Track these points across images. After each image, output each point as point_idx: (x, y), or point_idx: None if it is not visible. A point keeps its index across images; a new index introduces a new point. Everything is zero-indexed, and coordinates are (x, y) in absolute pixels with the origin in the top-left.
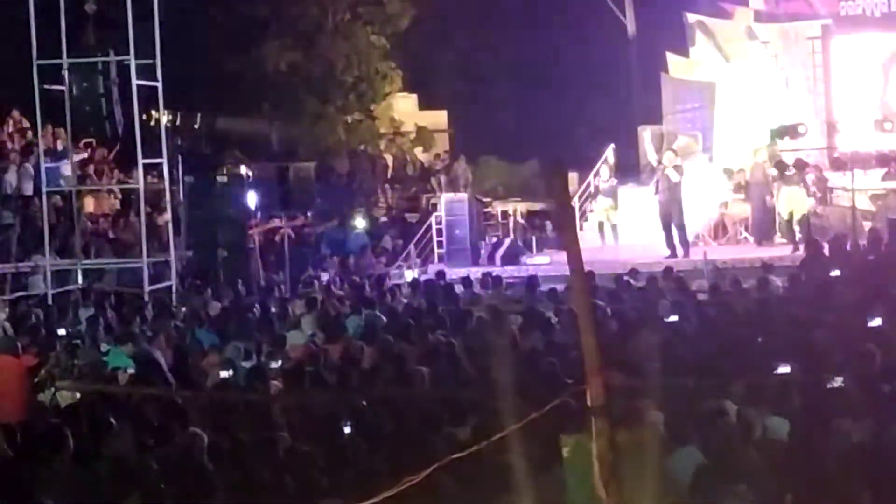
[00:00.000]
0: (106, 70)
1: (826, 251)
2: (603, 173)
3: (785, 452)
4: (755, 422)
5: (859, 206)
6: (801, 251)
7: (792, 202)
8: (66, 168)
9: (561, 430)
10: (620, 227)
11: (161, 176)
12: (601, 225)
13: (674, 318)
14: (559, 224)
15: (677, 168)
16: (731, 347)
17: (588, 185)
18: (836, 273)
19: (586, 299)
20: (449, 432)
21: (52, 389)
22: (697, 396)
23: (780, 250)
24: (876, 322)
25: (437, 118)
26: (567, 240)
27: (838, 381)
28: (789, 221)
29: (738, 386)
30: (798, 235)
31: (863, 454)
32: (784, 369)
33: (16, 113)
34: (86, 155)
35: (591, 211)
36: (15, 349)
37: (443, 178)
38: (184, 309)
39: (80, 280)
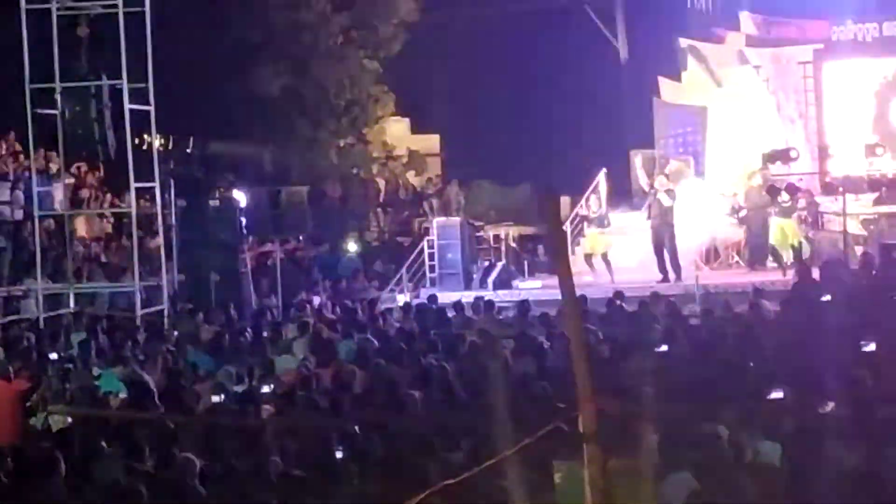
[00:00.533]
0: (98, 94)
1: (816, 276)
2: (592, 204)
3: (777, 477)
4: (747, 446)
5: (851, 230)
6: (790, 275)
7: (784, 233)
8: (59, 192)
9: (553, 457)
10: (612, 254)
11: (153, 200)
12: (588, 257)
13: (665, 342)
14: (551, 249)
15: (669, 192)
16: (723, 372)
17: (580, 209)
18: (827, 298)
19: (578, 324)
20: (441, 457)
21: (44, 413)
22: (690, 421)
23: (773, 275)
24: (870, 347)
25: (430, 142)
26: (559, 264)
27: (830, 406)
28: (781, 249)
29: (731, 411)
30: (788, 261)
31: (855, 479)
32: (777, 394)
33: (11, 136)
34: (77, 179)
35: (584, 237)
36: (7, 373)
37: (435, 202)
38: (176, 333)
39: (72, 304)
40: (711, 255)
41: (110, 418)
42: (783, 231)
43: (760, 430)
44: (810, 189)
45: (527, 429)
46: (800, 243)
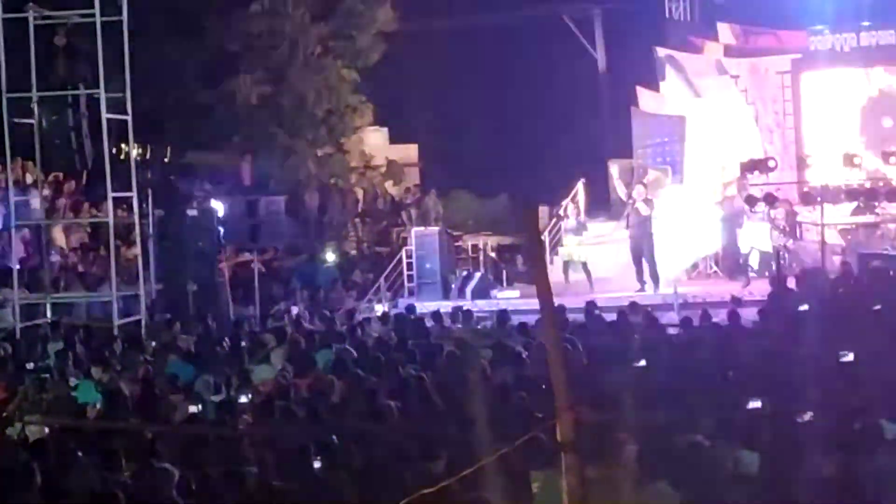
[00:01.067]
0: (76, 103)
1: (793, 285)
2: (569, 211)
3: (756, 487)
4: (726, 456)
5: (829, 240)
6: (747, 286)
7: (755, 239)
8: (35, 201)
9: (531, 466)
10: (590, 264)
11: (131, 209)
12: (566, 265)
13: (643, 352)
14: (530, 258)
15: (647, 202)
16: (701, 381)
17: (558, 220)
18: (804, 307)
19: (556, 334)
20: (420, 467)
21: (21, 424)
22: (668, 431)
23: (751, 284)
24: (848, 357)
25: (408, 152)
26: (537, 274)
27: (808, 416)
28: (753, 256)
29: (709, 420)
30: (752, 270)
31: (833, 488)
32: (755, 404)
33: None
34: (54, 188)
35: (562, 246)
36: None
37: (413, 212)
38: (153, 343)
39: (48, 314)
40: (690, 265)
41: (87, 429)
42: (754, 239)
43: (739, 439)
44: (789, 199)
45: (505, 438)
46: (776, 251)
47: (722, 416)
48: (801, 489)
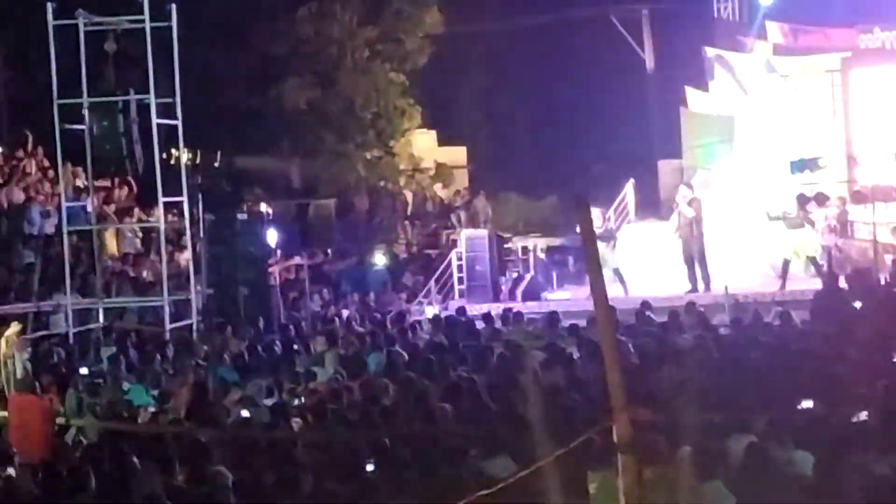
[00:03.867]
0: (126, 109)
1: (844, 284)
2: (596, 220)
3: (810, 487)
4: (779, 456)
5: (880, 239)
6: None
7: (802, 244)
8: (87, 207)
9: (587, 467)
10: (624, 269)
11: (181, 214)
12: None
13: (695, 352)
14: (584, 257)
15: (692, 203)
16: (753, 382)
17: (608, 221)
18: (856, 306)
19: (611, 335)
20: (474, 469)
21: (74, 428)
22: (721, 431)
23: (802, 284)
24: None
25: (457, 154)
26: (592, 275)
27: (863, 416)
28: (806, 259)
29: (762, 421)
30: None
31: (887, 489)
32: (807, 404)
33: (39, 151)
34: (105, 194)
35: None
36: (36, 388)
37: (462, 215)
38: (205, 347)
39: (101, 319)
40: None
41: (140, 433)
42: (801, 244)
43: (792, 439)
44: (840, 197)
45: (558, 440)
46: (827, 250)
47: (775, 416)
48: (856, 489)
